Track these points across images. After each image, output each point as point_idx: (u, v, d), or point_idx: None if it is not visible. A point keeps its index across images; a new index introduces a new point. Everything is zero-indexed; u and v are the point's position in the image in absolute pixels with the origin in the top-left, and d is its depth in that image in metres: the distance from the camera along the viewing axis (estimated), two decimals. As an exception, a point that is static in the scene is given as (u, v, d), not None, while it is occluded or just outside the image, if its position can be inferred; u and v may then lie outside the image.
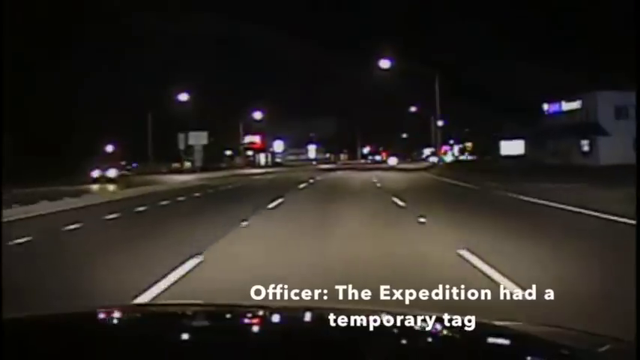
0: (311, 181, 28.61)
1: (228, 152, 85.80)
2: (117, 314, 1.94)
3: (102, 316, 1.92)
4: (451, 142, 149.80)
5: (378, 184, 24.24)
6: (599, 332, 1.70)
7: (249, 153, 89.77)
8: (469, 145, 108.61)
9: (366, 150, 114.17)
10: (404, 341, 1.62)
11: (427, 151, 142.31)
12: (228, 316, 1.95)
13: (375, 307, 3.47)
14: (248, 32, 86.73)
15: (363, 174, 38.83)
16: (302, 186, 23.81)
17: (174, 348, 1.48)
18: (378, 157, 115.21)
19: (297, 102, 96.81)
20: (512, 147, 50.64)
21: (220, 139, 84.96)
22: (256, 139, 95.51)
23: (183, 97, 54.96)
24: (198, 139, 34.43)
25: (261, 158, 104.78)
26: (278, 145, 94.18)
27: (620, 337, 1.60)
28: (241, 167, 73.70)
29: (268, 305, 2.83)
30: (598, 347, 1.55)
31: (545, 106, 51.19)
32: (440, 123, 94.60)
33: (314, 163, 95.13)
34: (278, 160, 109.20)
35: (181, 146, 34.19)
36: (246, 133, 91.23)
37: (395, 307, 3.55)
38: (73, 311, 2.09)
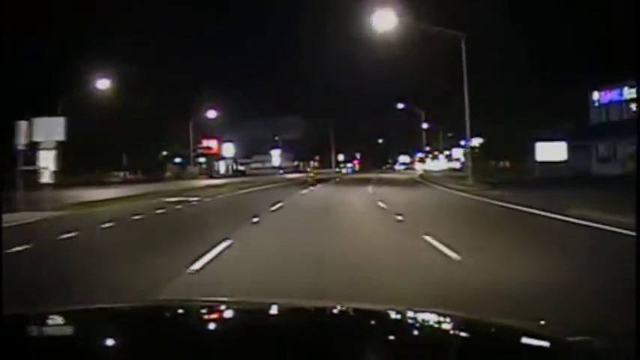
0: (255, 220, 12.58)
1: (178, 160, 69.33)
2: (115, 312, 1.91)
3: (100, 313, 1.88)
4: (426, 149, 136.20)
5: (439, 244, 8.30)
6: None
7: (201, 160, 72.97)
8: (461, 151, 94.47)
9: (341, 157, 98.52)
10: (406, 339, 1.54)
11: (404, 159, 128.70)
12: (221, 312, 1.91)
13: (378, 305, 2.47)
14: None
15: (356, 193, 23.63)
16: (222, 246, 8.00)
17: (171, 344, 1.43)
18: (349, 165, 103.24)
19: (260, 96, 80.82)
20: (550, 151, 35.86)
21: (171, 143, 69.13)
22: (212, 143, 79.17)
23: (103, 84, 39.05)
24: (50, 130, 17.12)
25: (221, 166, 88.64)
26: (228, 150, 76.89)
27: None
28: (194, 178, 57.85)
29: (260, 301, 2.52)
30: (599, 345, 1.49)
31: (596, 95, 36.63)
32: (425, 125, 79.99)
33: (281, 172, 79.44)
34: (241, 168, 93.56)
35: (20, 143, 17.10)
36: (202, 136, 75.23)
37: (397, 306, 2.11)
38: (73, 308, 2.04)
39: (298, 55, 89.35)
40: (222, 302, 2.19)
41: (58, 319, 1.74)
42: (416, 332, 1.66)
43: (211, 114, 60.76)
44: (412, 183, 34.66)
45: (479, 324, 1.69)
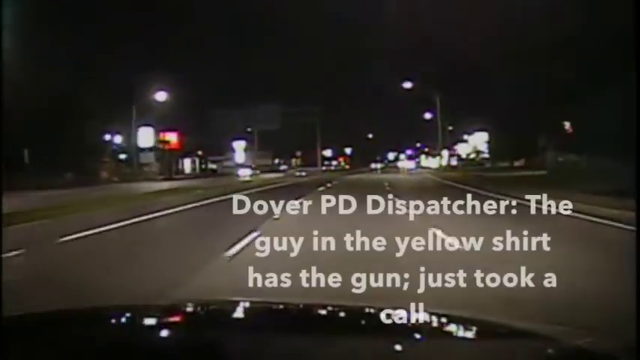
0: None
1: (123, 156, 53.86)
2: (114, 313, 1.83)
3: (100, 314, 1.79)
4: (417, 145, 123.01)
5: None
6: None
7: (148, 156, 57.02)
8: (466, 146, 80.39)
9: (328, 152, 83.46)
10: (407, 338, 1.50)
11: (395, 157, 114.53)
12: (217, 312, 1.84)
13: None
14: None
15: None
16: None
17: (171, 345, 1.39)
18: (334, 163, 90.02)
19: (231, 80, 65.15)
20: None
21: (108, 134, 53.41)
22: (172, 136, 63.51)
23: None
24: None
25: (186, 164, 73.48)
26: (147, 137, 58.62)
27: None
28: (151, 179, 43.46)
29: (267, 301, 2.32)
30: (597, 345, 1.46)
31: None
32: (428, 115, 65.31)
33: (257, 172, 64.05)
34: (213, 166, 78.75)
35: None
36: (160, 129, 59.99)
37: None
38: (74, 309, 2.01)
39: (277, 27, 73.25)
40: (225, 302, 2.15)
41: (60, 320, 1.63)
42: (417, 334, 1.58)
43: (160, 96, 45.56)
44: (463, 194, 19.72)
45: (480, 325, 1.61)
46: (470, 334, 1.55)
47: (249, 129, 57.87)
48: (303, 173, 52.52)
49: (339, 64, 63.54)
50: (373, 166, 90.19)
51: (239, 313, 1.79)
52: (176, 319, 1.74)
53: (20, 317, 1.71)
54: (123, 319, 1.71)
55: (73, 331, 1.56)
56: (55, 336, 1.48)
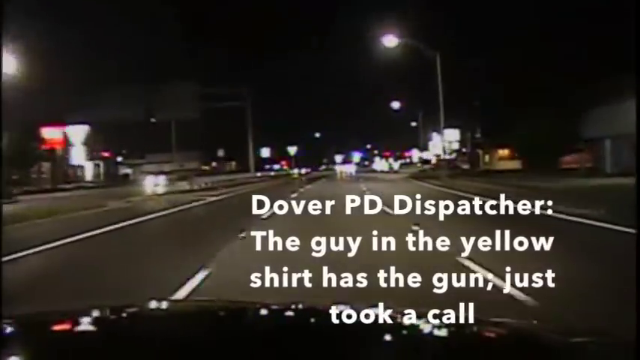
0: None
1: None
2: (113, 314, 1.83)
3: (100, 315, 1.78)
4: (368, 146, 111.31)
5: None
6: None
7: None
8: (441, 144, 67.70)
9: (266, 152, 68.31)
10: (405, 340, 1.50)
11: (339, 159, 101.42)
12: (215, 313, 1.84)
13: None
14: None
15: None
16: None
17: (177, 346, 1.37)
18: (276, 167, 79.38)
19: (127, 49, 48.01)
20: None
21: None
22: (56, 133, 46.63)
23: None
24: None
25: (87, 169, 56.62)
26: None
27: None
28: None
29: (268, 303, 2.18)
30: (596, 343, 1.44)
31: None
32: (396, 105, 53.34)
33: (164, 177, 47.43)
34: (127, 171, 62.26)
35: None
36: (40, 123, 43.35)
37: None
38: (75, 309, 1.96)
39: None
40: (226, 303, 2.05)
41: (62, 320, 1.66)
42: (415, 334, 1.58)
43: (9, 65, 29.19)
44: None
45: (477, 324, 1.63)
46: (463, 334, 1.52)
47: (152, 119, 41.56)
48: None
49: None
50: (295, 171, 73.80)
51: (230, 314, 1.77)
52: (177, 318, 1.73)
53: (20, 318, 1.69)
54: (124, 321, 1.67)
55: (73, 331, 1.54)
56: (54, 336, 1.47)
